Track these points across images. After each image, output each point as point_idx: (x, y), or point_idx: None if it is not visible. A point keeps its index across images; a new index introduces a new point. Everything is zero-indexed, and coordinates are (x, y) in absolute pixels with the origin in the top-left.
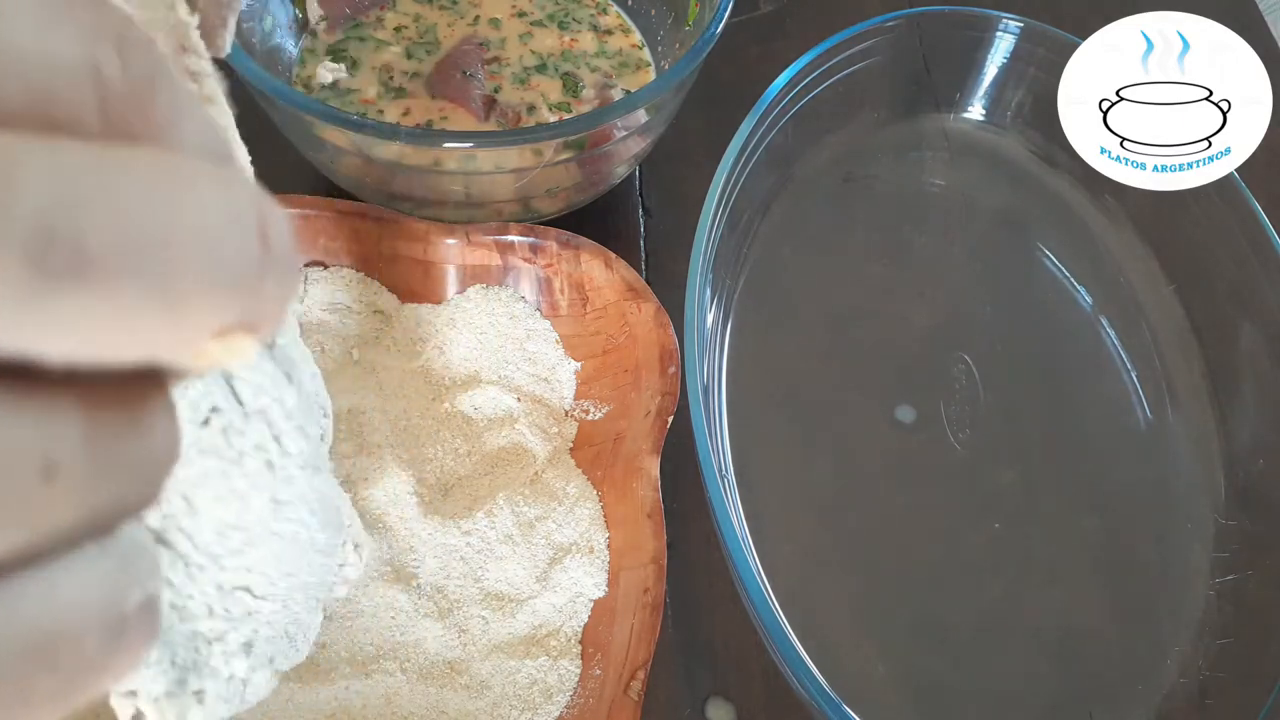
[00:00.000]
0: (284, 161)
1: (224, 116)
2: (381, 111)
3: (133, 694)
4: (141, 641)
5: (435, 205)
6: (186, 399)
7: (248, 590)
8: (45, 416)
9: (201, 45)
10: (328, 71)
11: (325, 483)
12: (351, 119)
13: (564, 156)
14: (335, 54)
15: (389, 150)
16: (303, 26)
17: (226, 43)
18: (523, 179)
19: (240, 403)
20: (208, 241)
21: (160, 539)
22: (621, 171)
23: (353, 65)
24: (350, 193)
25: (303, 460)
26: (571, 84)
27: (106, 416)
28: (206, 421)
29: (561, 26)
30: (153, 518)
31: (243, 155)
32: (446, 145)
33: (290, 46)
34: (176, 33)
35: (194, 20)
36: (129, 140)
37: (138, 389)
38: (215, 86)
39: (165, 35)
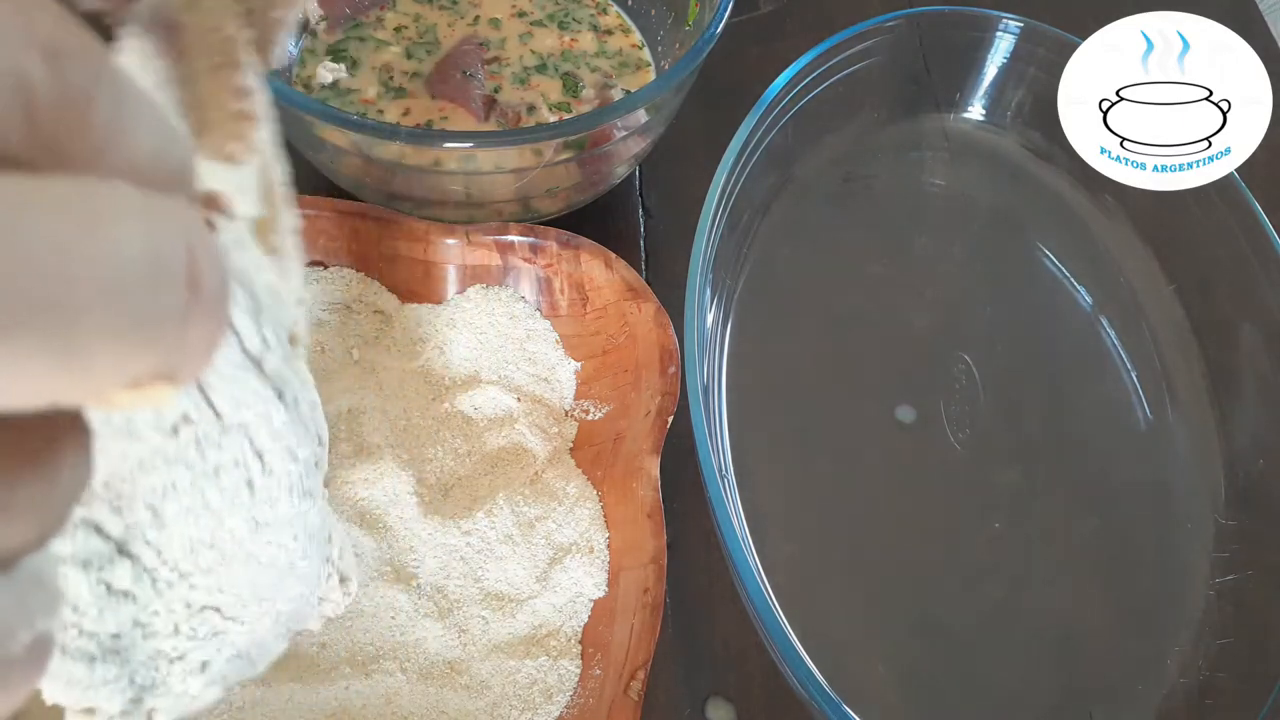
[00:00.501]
0: (285, 162)
1: (265, 133)
2: (381, 111)
3: (90, 712)
4: (24, 682)
5: (435, 205)
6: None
7: (217, 611)
8: None
9: (252, 60)
10: (328, 71)
11: (315, 510)
12: (351, 119)
13: (564, 156)
14: (335, 54)
15: (389, 150)
16: (303, 27)
17: (277, 58)
18: (523, 179)
19: (217, 414)
20: (119, 287)
21: (124, 550)
22: (621, 171)
23: (353, 65)
24: (350, 193)
25: (289, 483)
26: (571, 84)
27: (4, 462)
28: (175, 430)
29: (561, 26)
30: (115, 526)
31: (277, 173)
32: (446, 145)
33: (290, 46)
34: (225, 47)
35: (244, 35)
36: (58, 159)
37: (43, 427)
38: (262, 103)
39: (213, 48)
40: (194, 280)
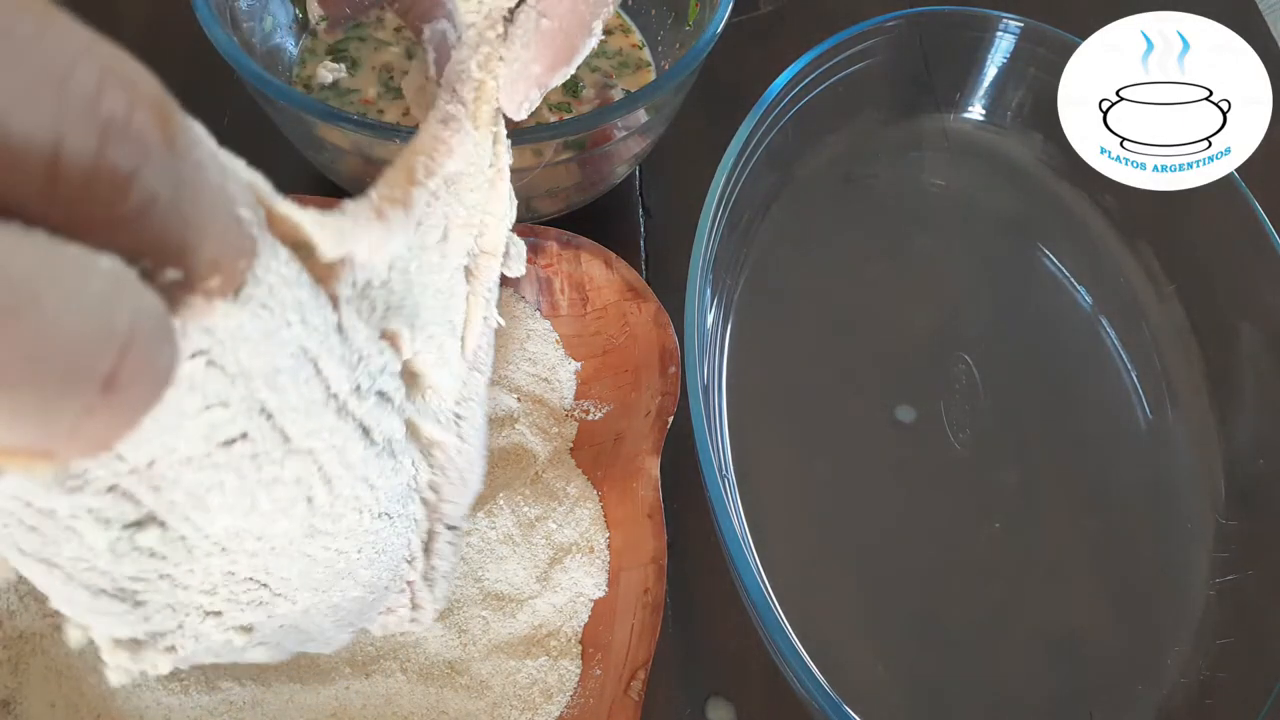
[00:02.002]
0: (284, 161)
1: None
2: (381, 111)
3: (84, 629)
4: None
5: None
6: (206, 418)
7: (265, 586)
8: None
9: (501, 113)
10: (328, 72)
11: (394, 531)
12: (351, 119)
13: (564, 156)
14: (335, 54)
15: (389, 150)
16: (303, 27)
17: (523, 111)
18: (523, 179)
19: (285, 438)
20: (22, 370)
21: (154, 518)
22: (621, 171)
23: (353, 65)
24: (350, 193)
25: (359, 505)
26: (571, 84)
27: None
28: (229, 443)
29: None
30: (149, 499)
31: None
32: None
33: (290, 46)
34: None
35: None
36: (68, 221)
37: None
38: (504, 154)
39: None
40: (111, 381)
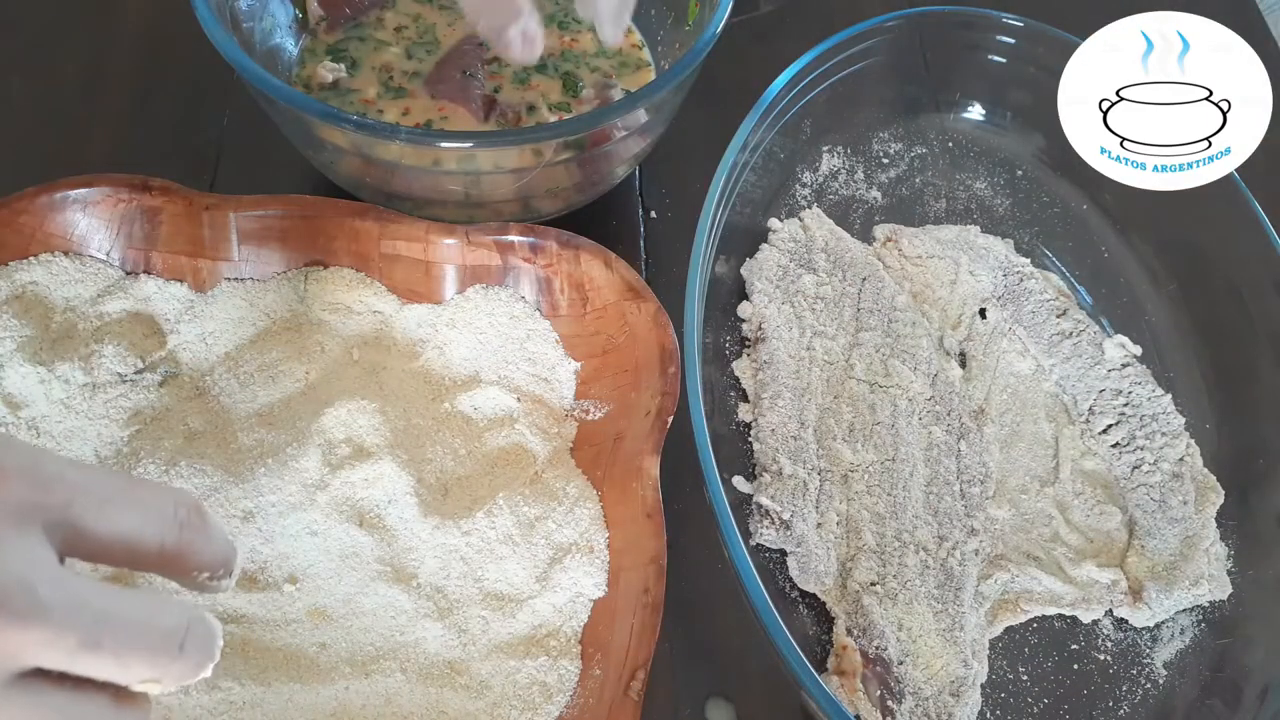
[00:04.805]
0: (284, 161)
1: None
2: (381, 111)
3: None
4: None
5: (435, 205)
6: None
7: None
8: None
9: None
10: (328, 71)
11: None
12: (351, 119)
13: (564, 156)
14: (335, 54)
15: (389, 150)
16: (302, 27)
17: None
18: (523, 179)
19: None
20: (142, 645)
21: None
22: (621, 171)
23: (352, 65)
24: (350, 193)
25: None
26: (571, 84)
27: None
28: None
29: (561, 26)
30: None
31: None
32: (446, 145)
33: (290, 46)
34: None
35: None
36: (167, 569)
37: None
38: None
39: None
40: (181, 644)
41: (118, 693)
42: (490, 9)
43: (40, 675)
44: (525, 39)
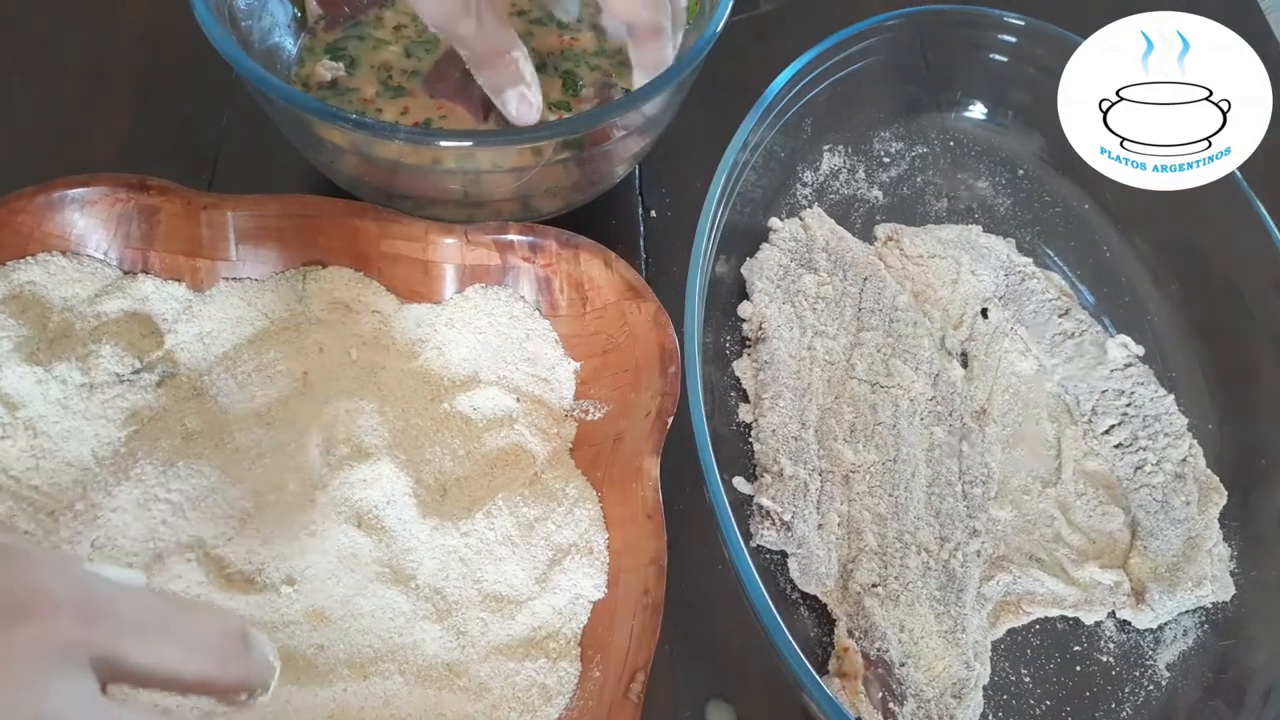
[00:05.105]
0: (284, 161)
1: None
2: (380, 110)
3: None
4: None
5: (435, 205)
6: None
7: None
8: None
9: None
10: (326, 70)
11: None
12: (351, 118)
13: (563, 156)
14: (334, 53)
15: (388, 150)
16: (301, 26)
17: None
18: (522, 178)
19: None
20: (213, 659)
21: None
22: (621, 171)
23: (351, 64)
24: (350, 193)
25: None
26: (571, 83)
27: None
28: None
29: (561, 26)
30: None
31: None
32: (445, 144)
33: (289, 45)
34: None
35: None
36: (206, 685)
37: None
38: None
39: None
40: (244, 656)
41: None
42: (493, 67)
43: None
44: (522, 100)
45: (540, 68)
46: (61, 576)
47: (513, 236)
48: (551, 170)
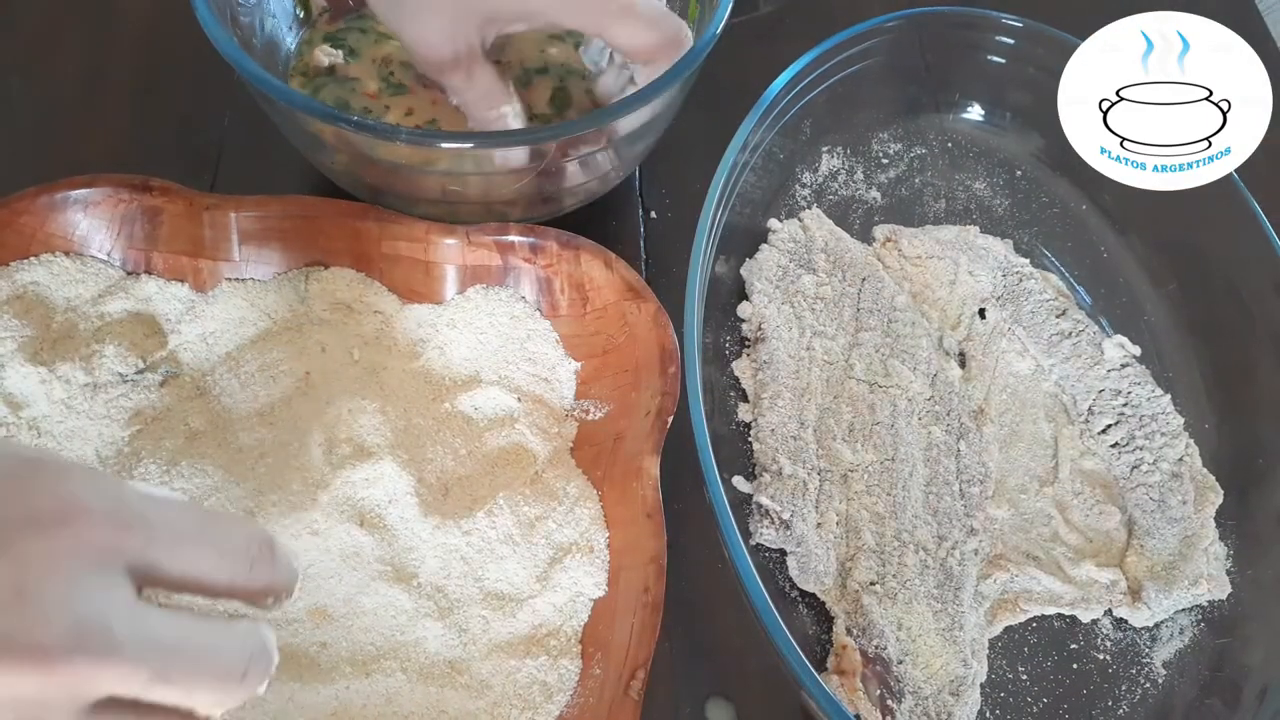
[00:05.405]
0: (284, 161)
1: None
2: (388, 108)
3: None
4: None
5: (435, 205)
6: None
7: None
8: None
9: None
10: (324, 55)
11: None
12: (351, 119)
13: (564, 156)
14: (333, 40)
15: (389, 150)
16: (303, 23)
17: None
18: (522, 179)
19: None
20: (209, 673)
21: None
22: (621, 172)
23: (350, 53)
24: (350, 193)
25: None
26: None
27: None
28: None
29: (583, 77)
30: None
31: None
32: (446, 145)
33: (289, 42)
34: None
35: None
36: (235, 589)
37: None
38: None
39: None
40: (244, 674)
41: (185, 716)
42: (483, 119)
43: (114, 703)
44: (501, 124)
45: (541, 71)
46: (95, 488)
47: (514, 237)
48: (552, 171)
